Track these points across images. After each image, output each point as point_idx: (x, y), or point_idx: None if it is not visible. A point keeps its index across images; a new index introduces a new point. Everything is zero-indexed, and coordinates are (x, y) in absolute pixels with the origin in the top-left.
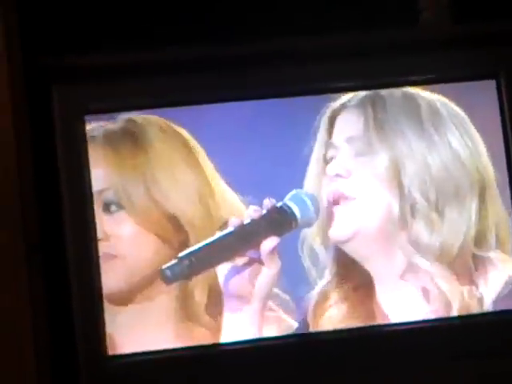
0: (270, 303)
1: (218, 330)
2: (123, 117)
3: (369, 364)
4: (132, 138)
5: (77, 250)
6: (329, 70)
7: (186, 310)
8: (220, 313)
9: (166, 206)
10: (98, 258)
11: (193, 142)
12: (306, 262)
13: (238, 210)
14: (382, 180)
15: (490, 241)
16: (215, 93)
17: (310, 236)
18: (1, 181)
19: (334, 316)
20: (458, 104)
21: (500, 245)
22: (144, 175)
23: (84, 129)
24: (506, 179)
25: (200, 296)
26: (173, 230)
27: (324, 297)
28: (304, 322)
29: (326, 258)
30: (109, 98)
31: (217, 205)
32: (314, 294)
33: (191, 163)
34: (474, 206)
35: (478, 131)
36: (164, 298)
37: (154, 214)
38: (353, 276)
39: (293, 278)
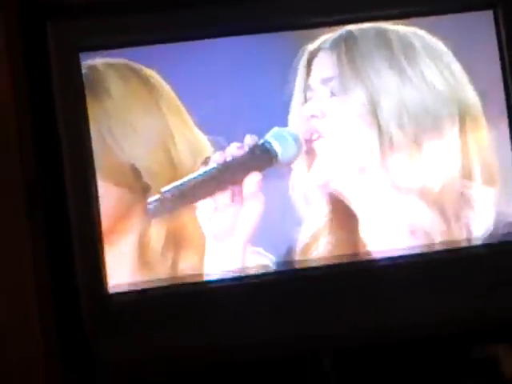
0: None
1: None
2: (86, 63)
3: (355, 299)
4: (90, 86)
5: (76, 187)
6: (303, 5)
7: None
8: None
9: (123, 155)
10: (97, 194)
11: (161, 87)
12: (297, 201)
13: (205, 150)
14: (358, 118)
15: (476, 175)
16: (189, 31)
17: (301, 175)
18: None
19: (322, 253)
20: (446, 38)
21: (486, 179)
22: (99, 123)
23: (79, 65)
24: (503, 112)
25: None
26: (133, 178)
27: (313, 235)
28: (290, 259)
29: (316, 197)
30: (104, 35)
31: (181, 152)
32: (303, 232)
33: (153, 110)
34: (455, 139)
35: (466, 64)
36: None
37: (111, 163)
38: (340, 214)
39: (282, 216)
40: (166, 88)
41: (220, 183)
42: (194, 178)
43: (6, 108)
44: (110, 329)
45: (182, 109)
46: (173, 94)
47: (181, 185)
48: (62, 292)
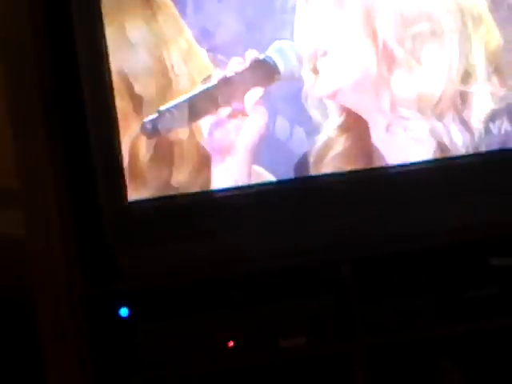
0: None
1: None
2: None
3: (372, 207)
4: None
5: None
6: None
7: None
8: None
9: (115, 66)
10: (114, 101)
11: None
12: (311, 111)
13: (206, 68)
14: (357, 31)
15: (478, 74)
16: None
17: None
18: (16, 39)
19: (335, 161)
20: None
21: (494, 75)
22: None
23: None
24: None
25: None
26: (126, 90)
27: (326, 144)
28: (304, 169)
29: (328, 107)
30: None
31: (176, 63)
32: (317, 141)
33: (150, 21)
34: (455, 41)
35: None
36: None
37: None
38: (352, 124)
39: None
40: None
41: (221, 99)
42: (195, 96)
43: (21, 18)
44: (129, 237)
45: (181, 23)
46: (172, 10)
47: (179, 103)
48: (81, 201)
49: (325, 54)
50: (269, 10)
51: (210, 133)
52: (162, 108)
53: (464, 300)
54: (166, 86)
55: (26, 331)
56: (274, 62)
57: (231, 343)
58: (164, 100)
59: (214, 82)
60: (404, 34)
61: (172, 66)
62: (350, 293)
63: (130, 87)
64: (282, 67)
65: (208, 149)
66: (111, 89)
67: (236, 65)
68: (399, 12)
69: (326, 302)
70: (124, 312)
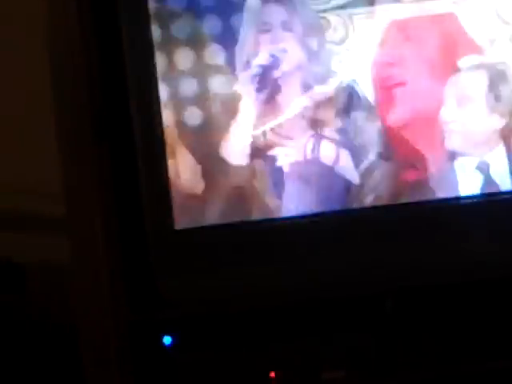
0: None
1: None
2: None
3: (417, 239)
4: None
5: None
6: None
7: None
8: None
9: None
10: (161, 124)
11: None
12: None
13: None
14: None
15: None
16: None
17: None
18: (66, 64)
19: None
20: None
21: None
22: None
23: None
24: None
25: None
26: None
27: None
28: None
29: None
30: None
31: None
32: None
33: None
34: None
35: None
36: None
37: None
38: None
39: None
40: None
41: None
42: None
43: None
44: (175, 264)
45: None
46: None
47: None
48: (128, 228)
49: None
50: None
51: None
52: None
53: None
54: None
55: (70, 359)
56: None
57: (273, 374)
58: None
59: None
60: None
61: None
62: (391, 327)
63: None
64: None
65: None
66: (159, 116)
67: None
68: None
69: (366, 337)
70: (167, 340)
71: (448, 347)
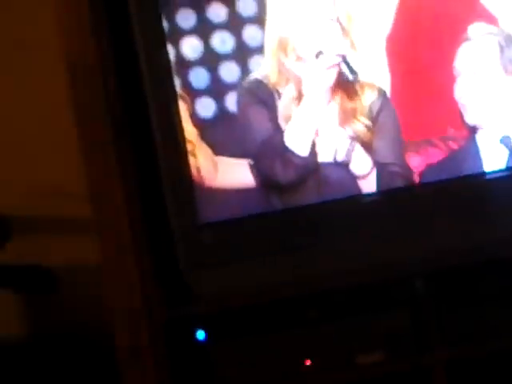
0: None
1: None
2: None
3: (440, 218)
4: None
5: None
6: None
7: None
8: None
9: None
10: (181, 126)
11: None
12: None
13: None
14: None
15: None
16: None
17: None
18: (82, 65)
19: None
20: None
21: None
22: None
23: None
24: None
25: None
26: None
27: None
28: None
29: None
30: None
31: None
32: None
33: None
34: None
35: None
36: None
37: None
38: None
39: None
40: None
41: None
42: None
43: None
44: (203, 259)
45: None
46: None
47: None
48: (154, 225)
49: None
50: None
51: None
52: None
53: None
54: None
55: (105, 357)
56: None
57: (308, 362)
58: None
59: None
60: None
61: None
62: (425, 306)
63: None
64: None
65: None
66: (178, 112)
67: None
68: None
69: (401, 317)
70: (201, 335)
71: (482, 321)
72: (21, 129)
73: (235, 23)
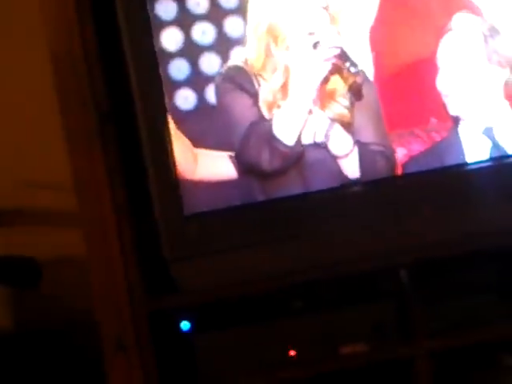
0: None
1: None
2: None
3: (424, 208)
4: None
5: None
6: None
7: None
8: None
9: None
10: (167, 123)
11: None
12: None
13: None
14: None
15: None
16: None
17: None
18: (67, 52)
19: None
20: None
21: None
22: None
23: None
24: None
25: None
26: None
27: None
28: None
29: None
30: None
31: None
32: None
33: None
34: None
35: None
36: None
37: None
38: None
39: None
40: None
41: None
42: None
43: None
44: (187, 250)
45: None
46: None
47: None
48: (139, 216)
49: None
50: None
51: None
52: None
53: None
54: None
55: (91, 348)
56: None
57: (292, 352)
58: None
59: None
60: None
61: None
62: (409, 297)
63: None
64: None
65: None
66: (163, 102)
67: None
68: None
69: (386, 308)
70: (185, 326)
71: (466, 316)
72: (6, 121)
73: (216, 15)
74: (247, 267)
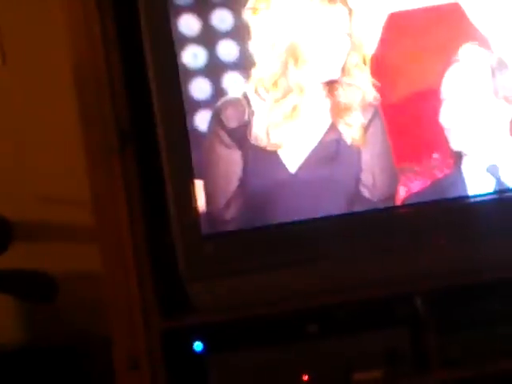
0: None
1: None
2: None
3: (440, 238)
4: None
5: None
6: None
7: None
8: None
9: None
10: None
11: None
12: None
13: None
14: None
15: None
16: None
17: None
18: (89, 70)
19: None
20: None
21: None
22: None
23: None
24: None
25: None
26: None
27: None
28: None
29: None
30: None
31: None
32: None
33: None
34: None
35: None
36: None
37: None
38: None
39: None
40: None
41: None
42: None
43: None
44: (203, 271)
45: None
46: None
47: None
48: (155, 236)
49: None
50: None
51: None
52: None
53: None
54: None
55: (103, 366)
56: None
57: (305, 377)
58: None
59: None
60: None
61: None
62: (424, 325)
63: None
64: None
65: None
66: (184, 122)
67: None
68: None
69: (400, 335)
70: (198, 347)
71: (481, 346)
72: (25, 137)
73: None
74: (263, 289)
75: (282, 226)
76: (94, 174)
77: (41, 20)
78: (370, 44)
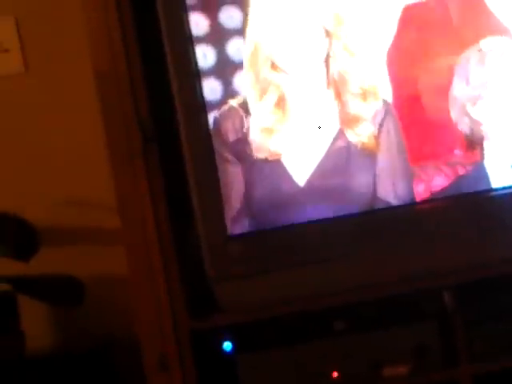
0: None
1: None
2: None
3: (467, 231)
4: None
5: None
6: None
7: None
8: None
9: None
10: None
11: None
12: None
13: None
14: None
15: None
16: None
17: None
18: (111, 73)
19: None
20: None
21: None
22: None
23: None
24: None
25: None
26: None
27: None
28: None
29: None
30: None
31: None
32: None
33: None
34: None
35: None
36: None
37: None
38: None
39: None
40: None
41: None
42: None
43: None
44: (230, 270)
45: None
46: None
47: None
48: (182, 237)
49: None
50: None
51: None
52: None
53: None
54: None
55: (132, 366)
56: None
57: (335, 374)
58: None
59: None
60: None
61: None
62: (453, 320)
63: None
64: None
65: None
66: (206, 123)
67: None
68: None
69: (429, 330)
70: (228, 347)
71: (510, 340)
72: (49, 141)
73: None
74: (290, 288)
75: (308, 225)
76: (119, 178)
77: (62, 27)
78: (386, 38)
